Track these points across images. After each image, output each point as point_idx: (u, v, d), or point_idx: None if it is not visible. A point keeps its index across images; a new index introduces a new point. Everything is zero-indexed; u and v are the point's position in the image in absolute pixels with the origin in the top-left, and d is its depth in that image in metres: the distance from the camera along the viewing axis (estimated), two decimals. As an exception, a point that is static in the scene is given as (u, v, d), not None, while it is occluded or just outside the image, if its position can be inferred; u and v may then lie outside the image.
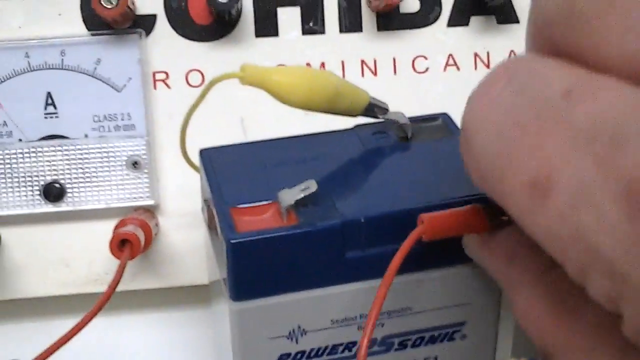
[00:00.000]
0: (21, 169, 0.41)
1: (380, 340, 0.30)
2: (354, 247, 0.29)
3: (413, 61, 0.42)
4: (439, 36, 0.42)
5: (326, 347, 0.30)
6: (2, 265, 0.42)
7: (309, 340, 0.30)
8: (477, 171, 0.22)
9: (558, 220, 0.19)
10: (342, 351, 0.30)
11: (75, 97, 0.41)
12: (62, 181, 0.41)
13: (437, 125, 0.34)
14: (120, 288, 0.35)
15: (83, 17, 0.41)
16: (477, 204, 0.27)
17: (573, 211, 0.19)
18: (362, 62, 0.42)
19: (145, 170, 0.41)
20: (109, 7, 0.38)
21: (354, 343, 0.30)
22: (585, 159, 0.19)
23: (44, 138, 0.41)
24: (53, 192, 0.41)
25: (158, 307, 0.44)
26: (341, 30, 0.42)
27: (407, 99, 0.42)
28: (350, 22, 0.42)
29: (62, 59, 0.41)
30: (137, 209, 0.41)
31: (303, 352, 0.30)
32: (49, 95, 0.41)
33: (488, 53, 0.42)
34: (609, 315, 0.20)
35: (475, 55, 0.42)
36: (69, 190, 0.41)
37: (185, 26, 0.41)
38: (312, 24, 0.42)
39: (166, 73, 0.42)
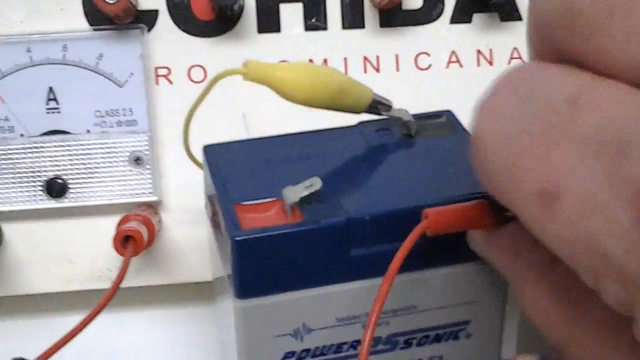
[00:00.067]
0: (23, 165, 0.41)
1: (385, 339, 0.30)
2: (358, 244, 0.28)
3: (416, 58, 0.42)
4: (442, 33, 0.42)
5: (331, 345, 0.30)
6: (5, 261, 0.42)
7: (314, 338, 0.30)
8: (488, 180, 0.23)
9: (568, 227, 0.19)
10: (347, 349, 0.30)
11: (77, 93, 0.41)
12: (64, 177, 0.41)
13: (440, 122, 0.34)
14: (123, 285, 0.35)
15: (85, 12, 0.41)
16: (482, 200, 0.27)
17: (582, 218, 0.19)
18: (365, 58, 0.42)
19: (148, 166, 0.41)
20: (111, 2, 0.38)
21: (359, 341, 0.30)
22: (593, 166, 0.19)
23: (46, 133, 0.41)
24: (55, 188, 0.41)
25: (161, 304, 0.44)
26: (344, 27, 0.42)
27: (409, 96, 0.42)
28: (353, 19, 0.42)
29: (64, 54, 0.40)
30: (139, 205, 0.41)
31: (308, 350, 0.30)
32: (50, 90, 0.41)
33: (491, 50, 0.42)
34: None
35: (478, 52, 0.42)
36: (71, 186, 0.41)
37: (187, 22, 0.41)
38: (315, 20, 0.42)
39: (168, 69, 0.41)
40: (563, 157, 0.20)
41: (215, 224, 0.32)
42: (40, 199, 0.41)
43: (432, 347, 0.31)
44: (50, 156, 0.41)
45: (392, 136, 0.33)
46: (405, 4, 0.42)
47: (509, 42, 0.42)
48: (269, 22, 0.42)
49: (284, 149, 0.33)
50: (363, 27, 0.42)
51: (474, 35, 0.42)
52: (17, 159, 0.41)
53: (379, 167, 0.32)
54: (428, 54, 0.42)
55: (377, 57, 0.42)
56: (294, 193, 0.28)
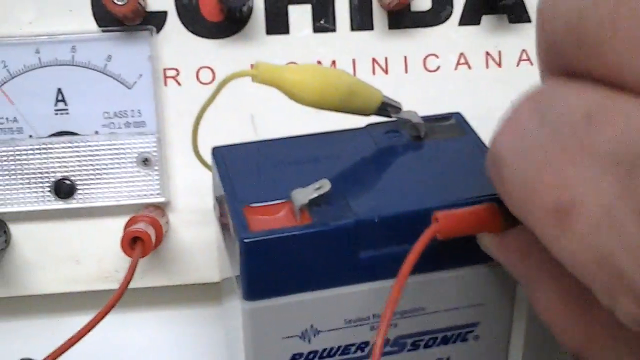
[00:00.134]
0: (32, 166, 0.41)
1: (393, 341, 0.30)
2: (367, 246, 0.28)
3: (424, 60, 0.42)
4: (451, 35, 0.42)
5: (339, 347, 0.30)
6: (13, 261, 0.42)
7: (321, 340, 0.30)
8: (506, 197, 0.23)
9: (583, 245, 0.19)
10: (355, 351, 0.30)
11: (85, 94, 0.41)
12: (72, 178, 0.41)
13: (450, 124, 0.34)
14: (130, 285, 0.35)
15: (94, 13, 0.41)
16: (492, 203, 0.27)
17: (597, 236, 0.19)
18: (373, 60, 0.42)
19: (156, 167, 0.41)
20: (120, 3, 0.38)
21: (367, 343, 0.30)
22: (608, 182, 0.19)
23: (54, 134, 0.41)
24: (63, 189, 0.41)
25: (168, 305, 0.44)
26: (352, 28, 0.42)
27: (417, 98, 0.42)
28: (362, 20, 0.42)
29: (73, 55, 0.41)
30: (147, 206, 0.41)
31: (316, 352, 0.30)
32: (59, 91, 0.41)
33: (499, 52, 0.42)
34: None
35: (487, 54, 0.42)
36: (79, 187, 0.41)
37: (196, 23, 0.41)
38: (323, 21, 0.42)
39: (177, 70, 0.42)
40: (578, 174, 0.20)
41: (223, 225, 0.32)
42: (48, 200, 0.41)
43: (439, 349, 0.31)
44: (59, 157, 0.41)
45: (401, 138, 0.33)
46: (414, 6, 0.42)
47: (518, 44, 0.42)
48: (277, 24, 0.42)
49: (292, 150, 0.32)
50: (372, 28, 0.42)
51: (483, 37, 0.42)
52: (25, 160, 0.41)
53: (388, 169, 0.32)
54: (437, 56, 0.42)
55: (386, 59, 0.42)
56: (303, 195, 0.28)
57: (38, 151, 0.41)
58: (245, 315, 0.29)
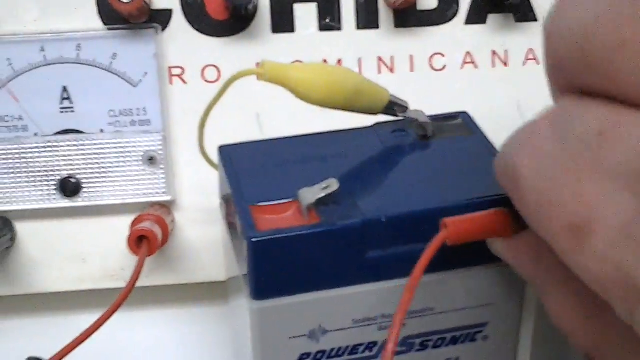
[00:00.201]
0: (37, 164, 0.41)
1: (402, 341, 0.30)
2: (375, 246, 0.28)
3: (430, 59, 0.42)
4: (457, 34, 0.42)
5: (347, 347, 0.30)
6: (18, 260, 0.42)
7: (329, 339, 0.29)
8: (524, 213, 0.23)
9: (599, 261, 0.20)
10: (363, 351, 0.30)
11: (91, 92, 0.41)
12: (78, 176, 0.41)
13: (457, 123, 0.34)
14: (136, 284, 0.35)
15: (99, 11, 0.41)
16: (502, 208, 0.27)
17: (614, 252, 0.19)
18: (379, 59, 0.42)
19: (162, 166, 0.41)
20: (125, 1, 0.38)
21: (375, 343, 0.30)
22: (623, 198, 0.19)
23: (59, 132, 0.41)
24: (69, 187, 0.41)
25: (174, 304, 0.44)
26: (358, 27, 0.42)
27: (424, 97, 0.42)
28: (368, 19, 0.42)
29: (78, 53, 0.40)
30: (153, 204, 0.41)
31: (324, 352, 0.30)
32: (64, 89, 0.41)
33: (506, 51, 0.42)
34: None
35: (493, 53, 0.42)
36: (85, 185, 0.41)
37: (201, 21, 0.41)
38: (329, 20, 0.42)
39: (182, 68, 0.41)
40: (593, 191, 0.20)
41: (230, 224, 0.32)
42: (54, 198, 0.41)
43: (448, 349, 0.31)
44: (64, 155, 0.41)
45: (408, 137, 0.33)
46: (420, 5, 0.42)
47: (524, 43, 0.42)
48: (283, 22, 0.41)
49: (299, 149, 0.32)
50: (377, 27, 0.42)
51: (489, 36, 0.42)
52: (30, 158, 0.41)
53: (395, 168, 0.32)
54: (443, 55, 0.42)
55: (392, 58, 0.42)
56: (311, 194, 0.28)
57: (43, 149, 0.41)
58: (253, 314, 0.28)
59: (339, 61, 0.42)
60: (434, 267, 0.28)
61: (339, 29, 0.42)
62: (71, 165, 0.41)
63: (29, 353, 0.33)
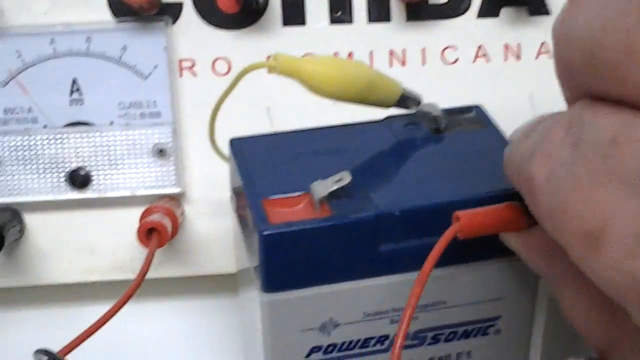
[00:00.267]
0: (46, 156, 0.41)
1: (413, 334, 0.30)
2: (387, 239, 0.28)
3: (442, 52, 0.42)
4: (469, 27, 0.42)
5: (358, 341, 0.30)
6: (27, 251, 0.42)
7: (341, 333, 0.29)
8: (540, 218, 0.23)
9: (614, 269, 0.20)
10: (374, 344, 0.30)
11: (100, 84, 0.41)
12: (87, 168, 0.41)
13: (470, 117, 0.34)
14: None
15: (109, 3, 0.40)
16: (514, 202, 0.26)
17: (629, 259, 0.19)
18: (391, 52, 0.42)
19: (171, 158, 0.41)
20: (135, -7, 0.38)
21: (387, 336, 0.30)
22: (636, 205, 0.19)
23: (69, 125, 0.41)
24: (79, 179, 0.41)
25: (183, 296, 0.44)
26: (369, 20, 0.41)
27: (435, 90, 0.41)
28: (379, 12, 0.41)
29: (88, 46, 0.40)
30: (162, 197, 0.41)
31: (335, 345, 0.30)
32: (74, 81, 0.41)
33: (518, 45, 0.42)
34: None
35: (506, 46, 0.42)
36: (94, 177, 0.41)
37: (211, 14, 0.41)
38: (340, 13, 0.41)
39: (192, 61, 0.41)
40: (606, 198, 0.20)
41: (241, 217, 0.32)
42: (63, 190, 0.41)
43: (460, 342, 0.31)
44: (74, 147, 0.41)
45: (421, 131, 0.33)
46: (432, -2, 0.41)
47: (537, 36, 0.42)
48: (294, 15, 0.41)
49: (311, 142, 0.32)
50: (389, 20, 0.41)
51: (502, 30, 0.42)
52: (40, 150, 0.40)
53: (407, 162, 0.31)
54: (455, 48, 0.42)
55: (403, 51, 0.42)
56: (323, 187, 0.28)
57: (53, 141, 0.40)
58: (264, 307, 0.28)
59: (350, 54, 0.42)
60: (446, 260, 0.28)
61: (350, 22, 0.41)
62: (81, 157, 0.41)
63: (37, 344, 0.33)
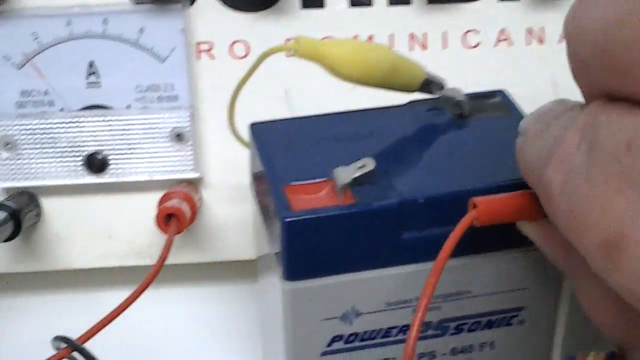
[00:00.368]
0: (63, 139, 0.40)
1: (436, 324, 0.30)
2: (411, 227, 0.28)
3: (464, 36, 0.41)
4: (491, 10, 0.41)
5: (380, 330, 0.29)
6: (44, 235, 0.42)
7: (362, 322, 0.29)
8: (558, 225, 0.22)
9: (634, 278, 0.19)
10: (396, 334, 0.29)
11: (117, 67, 0.40)
12: (104, 152, 0.40)
13: (494, 102, 0.33)
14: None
15: (126, -15, 0.40)
16: (531, 190, 0.26)
17: None
18: (411, 35, 0.41)
19: (189, 143, 0.40)
20: (153, -25, 0.37)
21: (409, 326, 0.29)
22: None
23: (85, 108, 0.40)
24: (96, 163, 0.40)
25: (200, 282, 0.44)
26: (390, 3, 0.41)
27: (456, 75, 0.41)
28: (399, -6, 0.41)
29: (105, 28, 0.40)
30: (180, 181, 0.41)
31: (356, 334, 0.29)
32: (91, 64, 0.40)
33: (541, 28, 0.41)
34: None
35: (529, 30, 0.41)
36: (111, 161, 0.40)
37: (230, -4, 0.40)
38: (360, -5, 0.41)
39: (210, 44, 0.41)
40: (625, 206, 0.19)
41: (262, 203, 0.31)
42: (81, 174, 0.40)
43: (483, 333, 0.30)
44: (91, 131, 0.40)
45: (444, 116, 0.32)
46: (454, -20, 0.41)
47: (561, 20, 0.40)
48: (313, -3, 0.41)
49: (332, 127, 0.32)
50: (409, 3, 0.41)
51: (525, 13, 0.41)
52: (57, 133, 0.40)
53: (431, 148, 0.31)
54: (476, 32, 0.41)
55: (424, 35, 0.41)
56: (346, 173, 0.28)
57: (70, 125, 0.40)
58: (286, 295, 0.28)
59: (370, 37, 0.41)
60: (471, 249, 0.28)
61: (369, 4, 0.41)
62: (98, 141, 0.40)
63: (54, 329, 0.33)
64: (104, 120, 0.40)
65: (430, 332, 0.30)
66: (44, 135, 0.40)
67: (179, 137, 0.40)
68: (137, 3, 0.40)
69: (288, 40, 0.40)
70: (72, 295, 0.44)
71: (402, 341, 0.30)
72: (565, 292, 0.30)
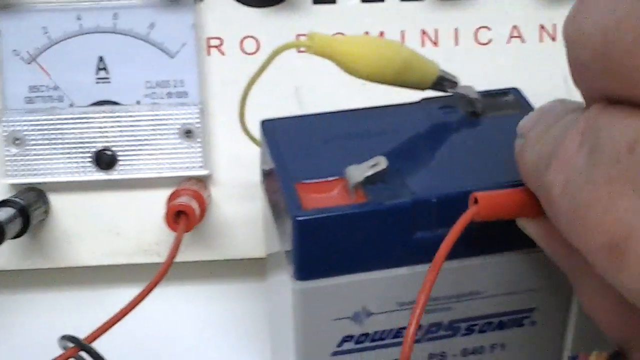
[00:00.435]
0: (72, 135, 0.40)
1: (447, 325, 0.29)
2: (423, 227, 0.27)
3: (476, 32, 0.41)
4: (503, 6, 0.41)
5: (391, 330, 0.29)
6: (51, 232, 0.41)
7: (373, 322, 0.29)
8: (560, 228, 0.22)
9: (639, 280, 0.19)
10: (408, 334, 0.29)
11: (127, 62, 0.40)
12: (113, 148, 0.40)
13: (507, 100, 0.33)
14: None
15: (137, -21, 0.40)
16: None
17: None
18: (423, 32, 0.41)
19: (199, 139, 0.40)
20: (163, -30, 0.37)
21: (420, 327, 0.29)
22: None
23: (95, 104, 0.40)
24: (104, 160, 0.40)
25: (208, 280, 0.44)
26: (401, -1, 0.40)
27: (468, 72, 0.40)
28: (411, -10, 0.40)
29: (115, 23, 0.40)
30: (189, 178, 0.40)
31: (367, 335, 0.29)
32: (100, 59, 0.40)
33: (554, 25, 0.41)
34: None
35: (541, 27, 0.41)
36: (120, 158, 0.40)
37: (240, -9, 0.40)
38: (372, -9, 0.40)
39: (220, 39, 0.40)
40: (628, 207, 0.19)
41: (272, 201, 0.31)
42: (89, 171, 0.40)
43: (494, 334, 0.30)
44: (100, 127, 0.40)
45: (457, 114, 0.32)
46: (466, -24, 0.40)
47: (575, 17, 0.40)
48: (324, -7, 0.40)
49: (344, 125, 0.31)
50: (421, -1, 0.40)
51: (537, 9, 0.41)
52: (66, 129, 0.40)
53: (444, 146, 0.31)
54: (488, 28, 0.41)
55: (436, 31, 0.41)
56: (359, 172, 0.27)
57: (79, 120, 0.40)
58: (296, 295, 0.28)
59: (381, 33, 0.41)
60: (481, 250, 0.28)
61: (381, 0, 0.40)
62: (107, 137, 0.40)
63: (60, 326, 0.33)
64: (113, 116, 0.40)
65: (441, 332, 0.29)
66: (52, 131, 0.40)
67: (188, 133, 0.40)
68: (147, -2, 0.39)
69: (299, 36, 0.40)
70: (79, 292, 0.44)
71: (414, 342, 0.29)
72: (578, 293, 0.30)
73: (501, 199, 0.26)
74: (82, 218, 0.41)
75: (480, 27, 0.41)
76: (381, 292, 0.28)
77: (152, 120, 0.40)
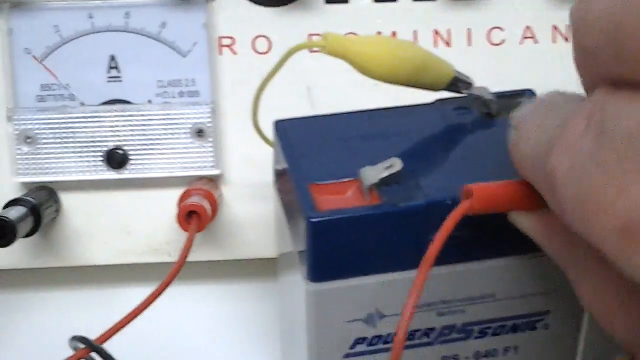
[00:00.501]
0: (83, 134, 0.40)
1: (460, 327, 0.29)
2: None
3: (488, 32, 0.41)
4: (516, 7, 0.41)
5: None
6: (62, 231, 0.41)
7: (386, 324, 0.28)
8: (564, 216, 0.22)
9: None
10: (420, 337, 0.29)
11: (139, 61, 0.40)
12: (125, 148, 0.40)
13: (522, 101, 0.32)
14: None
15: (149, -22, 0.40)
16: None
17: None
18: (435, 32, 0.41)
19: (210, 139, 0.40)
20: (175, -31, 0.37)
21: (433, 329, 0.29)
22: None
23: (106, 102, 0.40)
24: (116, 159, 0.40)
25: (219, 280, 0.44)
26: (414, -1, 0.40)
27: (480, 72, 0.40)
28: (424, -10, 0.40)
29: (127, 21, 0.39)
30: (200, 178, 0.40)
31: (380, 337, 0.29)
32: (112, 58, 0.40)
33: (568, 26, 0.40)
34: None
35: (554, 27, 0.41)
36: (131, 157, 0.40)
37: (252, -10, 0.40)
38: (384, -9, 0.40)
39: (232, 38, 0.40)
40: None
41: (285, 201, 0.31)
42: (100, 170, 0.40)
43: (507, 337, 0.30)
44: (111, 126, 0.40)
45: (471, 115, 0.32)
46: (480, -24, 0.40)
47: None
48: (336, -8, 0.40)
49: (358, 126, 0.31)
50: (434, -1, 0.40)
51: (550, 10, 0.40)
52: (77, 128, 0.40)
53: (458, 147, 0.30)
54: (501, 29, 0.41)
55: (448, 31, 0.41)
56: (373, 174, 0.27)
57: (90, 119, 0.40)
58: (310, 297, 0.28)
59: (394, 33, 0.40)
60: (495, 252, 0.28)
61: (394, 0, 0.40)
62: (118, 136, 0.40)
63: (71, 325, 0.33)
64: (124, 115, 0.40)
65: (454, 335, 0.29)
66: (64, 130, 0.40)
67: (199, 133, 0.40)
68: (159, -3, 0.39)
69: (311, 35, 0.40)
70: (89, 291, 0.44)
71: (426, 344, 0.29)
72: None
73: (495, 191, 0.25)
74: (93, 217, 0.41)
75: (493, 28, 0.41)
76: (394, 294, 0.28)
77: (164, 119, 0.40)
